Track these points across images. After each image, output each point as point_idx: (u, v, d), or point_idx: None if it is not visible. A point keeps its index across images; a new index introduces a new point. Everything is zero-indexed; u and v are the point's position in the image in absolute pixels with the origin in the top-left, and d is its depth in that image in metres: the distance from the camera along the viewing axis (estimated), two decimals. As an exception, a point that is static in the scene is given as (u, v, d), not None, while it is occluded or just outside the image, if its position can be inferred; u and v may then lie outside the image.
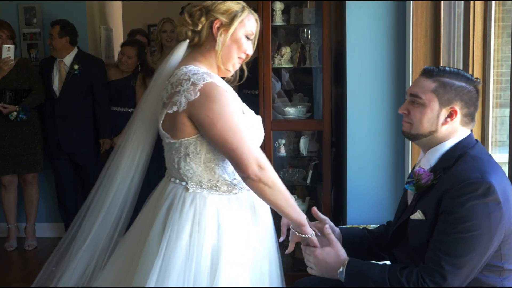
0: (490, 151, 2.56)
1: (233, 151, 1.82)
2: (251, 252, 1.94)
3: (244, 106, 2.01)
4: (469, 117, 1.91)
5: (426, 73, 1.92)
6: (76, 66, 4.55)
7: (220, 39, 1.94)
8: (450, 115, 1.87)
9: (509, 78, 2.05)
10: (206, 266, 1.85)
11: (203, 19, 1.95)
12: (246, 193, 1.96)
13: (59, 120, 4.58)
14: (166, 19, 4.81)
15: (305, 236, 1.97)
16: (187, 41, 1.99)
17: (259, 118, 2.05)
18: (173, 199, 1.93)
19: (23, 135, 4.51)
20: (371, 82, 3.27)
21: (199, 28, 1.95)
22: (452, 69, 1.92)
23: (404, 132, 1.98)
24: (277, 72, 3.94)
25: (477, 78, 1.93)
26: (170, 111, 1.86)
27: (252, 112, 2.04)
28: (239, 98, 1.98)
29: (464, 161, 1.85)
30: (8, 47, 4.34)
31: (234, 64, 2.02)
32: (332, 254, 1.95)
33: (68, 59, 4.59)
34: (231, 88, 1.97)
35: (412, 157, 3.18)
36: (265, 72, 3.56)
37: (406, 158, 3.23)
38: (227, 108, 1.83)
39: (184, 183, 1.94)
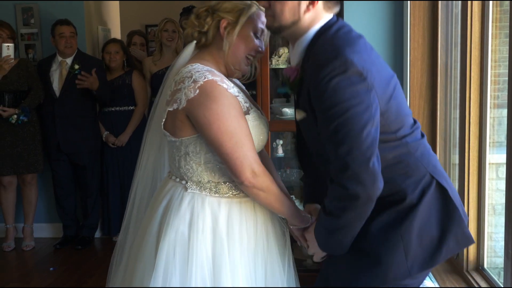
0: (488, 152, 2.56)
1: (227, 155, 1.78)
2: (247, 260, 1.89)
3: (251, 105, 1.93)
4: (332, 1, 1.79)
5: None
6: (76, 66, 4.55)
7: (227, 38, 1.90)
8: (312, 3, 1.75)
9: (507, 78, 2.05)
10: (202, 272, 1.82)
11: (209, 19, 1.91)
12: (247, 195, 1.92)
13: (59, 120, 4.59)
14: (168, 19, 4.83)
15: (302, 227, 1.94)
16: (194, 42, 1.96)
17: (264, 118, 1.98)
18: (171, 198, 1.91)
19: (23, 135, 4.51)
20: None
21: (205, 28, 1.92)
22: None
23: (268, 27, 1.86)
24: (275, 72, 3.94)
25: None
26: (171, 109, 1.83)
27: (258, 112, 1.97)
28: (244, 97, 1.91)
29: (320, 45, 1.74)
30: (8, 46, 4.34)
31: (242, 64, 1.94)
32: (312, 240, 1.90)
33: (69, 59, 4.60)
34: (238, 88, 1.91)
35: None
36: (263, 72, 3.56)
37: None
38: (225, 109, 1.78)
39: (184, 182, 1.92)
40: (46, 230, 4.99)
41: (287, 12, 1.76)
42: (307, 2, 1.75)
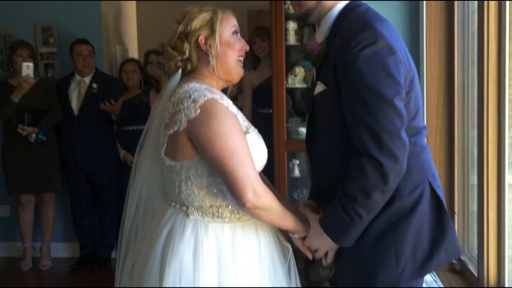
0: (507, 172, 2.52)
1: (228, 174, 1.73)
2: (253, 284, 1.86)
3: (249, 124, 1.92)
4: None
5: None
6: (94, 85, 4.60)
7: (211, 51, 1.87)
8: None
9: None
10: None
11: (186, 44, 1.87)
12: (250, 217, 1.88)
13: (78, 139, 4.62)
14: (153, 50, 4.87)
15: (303, 236, 1.89)
16: (180, 71, 1.92)
17: (261, 138, 1.95)
18: (173, 225, 1.86)
19: (42, 154, 4.55)
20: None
21: (187, 54, 1.88)
22: None
23: (297, 15, 1.92)
24: (291, 91, 3.93)
25: None
26: (171, 132, 1.79)
27: (256, 130, 1.95)
28: (242, 115, 1.89)
29: (349, 18, 1.78)
30: (28, 65, 4.39)
31: (237, 68, 1.92)
32: (314, 229, 1.85)
33: (87, 78, 4.65)
34: (235, 107, 1.88)
35: (426, 142, 3.15)
36: (279, 91, 3.56)
37: None
38: (227, 127, 1.75)
39: (184, 208, 1.87)
40: (63, 250, 5.01)
41: None
42: None
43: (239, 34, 1.95)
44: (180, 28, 1.89)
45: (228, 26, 1.90)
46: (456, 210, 3.28)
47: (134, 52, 5.83)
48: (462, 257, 3.10)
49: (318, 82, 1.83)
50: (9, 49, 4.63)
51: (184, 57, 1.89)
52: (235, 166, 1.73)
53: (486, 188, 2.56)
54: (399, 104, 1.66)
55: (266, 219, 1.82)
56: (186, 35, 1.88)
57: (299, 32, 3.80)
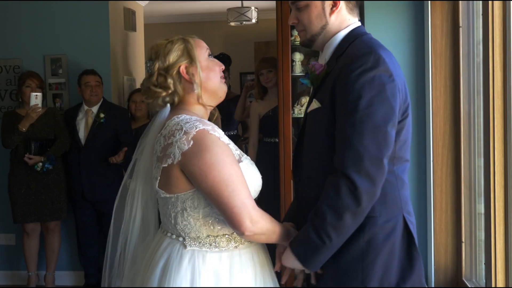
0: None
1: (224, 205, 1.73)
2: None
3: (241, 153, 1.90)
4: (352, 2, 1.93)
5: None
6: (102, 115, 4.64)
7: (195, 79, 1.87)
8: (334, 4, 1.89)
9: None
10: None
11: (168, 79, 1.87)
12: (247, 244, 1.89)
13: (84, 168, 4.64)
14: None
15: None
16: (168, 105, 1.93)
17: (253, 165, 1.94)
18: (169, 256, 1.83)
19: (48, 183, 4.57)
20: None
21: (172, 88, 1.88)
22: None
23: (302, 43, 1.99)
24: (297, 121, 3.97)
25: None
26: (165, 165, 1.78)
27: (249, 158, 1.94)
28: (234, 145, 1.89)
29: (354, 44, 1.85)
30: (36, 95, 4.44)
31: (221, 87, 1.94)
32: (287, 250, 1.85)
33: (95, 108, 4.69)
34: (226, 137, 1.86)
35: (433, 186, 3.16)
36: (285, 121, 3.59)
37: (428, 186, 3.20)
38: (220, 157, 1.75)
39: (181, 238, 1.85)
40: (68, 278, 4.98)
41: (314, 20, 1.90)
42: (331, 4, 1.88)
43: (212, 55, 1.97)
44: (158, 64, 1.89)
45: (202, 51, 1.93)
46: (463, 239, 3.28)
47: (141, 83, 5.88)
48: (470, 286, 3.09)
49: (314, 100, 1.88)
50: (18, 80, 4.69)
51: (170, 91, 1.88)
52: (230, 196, 1.73)
53: (493, 216, 2.56)
54: (391, 130, 1.71)
55: (264, 241, 1.87)
56: (166, 70, 1.88)
57: (305, 63, 3.86)
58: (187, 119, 1.80)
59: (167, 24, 7.63)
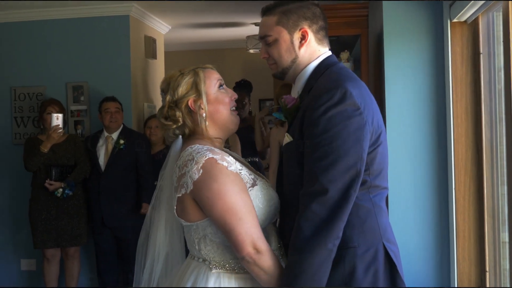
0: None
1: (229, 232, 1.78)
2: None
3: (256, 177, 1.92)
4: (321, 32, 1.94)
5: (265, 12, 1.97)
6: (121, 141, 4.68)
7: (201, 112, 1.91)
8: (303, 37, 1.90)
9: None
10: None
11: (178, 112, 1.92)
12: None
13: (104, 194, 4.67)
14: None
15: None
16: (180, 137, 1.98)
17: (271, 187, 1.97)
18: (196, 278, 1.88)
19: (68, 209, 4.60)
20: (412, 155, 3.25)
21: (181, 121, 1.93)
22: None
23: (274, 75, 2.01)
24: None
25: None
26: (179, 195, 1.83)
27: (264, 179, 1.97)
28: (247, 170, 1.91)
29: (324, 76, 1.86)
30: (57, 116, 4.50)
31: (231, 119, 1.97)
32: None
33: (115, 135, 4.73)
34: (238, 163, 1.88)
35: (456, 214, 3.11)
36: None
37: (450, 215, 3.16)
38: (226, 187, 1.79)
39: (207, 262, 1.89)
40: (87, 304, 4.99)
41: (284, 54, 1.92)
42: (299, 37, 1.90)
43: (224, 85, 2.00)
44: (168, 97, 1.94)
45: (212, 83, 1.95)
46: (487, 268, 3.22)
47: (161, 109, 5.93)
48: (495, 317, 3.02)
49: (286, 134, 1.91)
50: (40, 107, 4.77)
51: (179, 124, 1.93)
52: (238, 224, 1.77)
53: (518, 245, 2.52)
54: (356, 164, 1.72)
55: (264, 284, 1.81)
56: (175, 103, 1.93)
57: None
58: (199, 148, 1.84)
59: (187, 52, 7.72)
